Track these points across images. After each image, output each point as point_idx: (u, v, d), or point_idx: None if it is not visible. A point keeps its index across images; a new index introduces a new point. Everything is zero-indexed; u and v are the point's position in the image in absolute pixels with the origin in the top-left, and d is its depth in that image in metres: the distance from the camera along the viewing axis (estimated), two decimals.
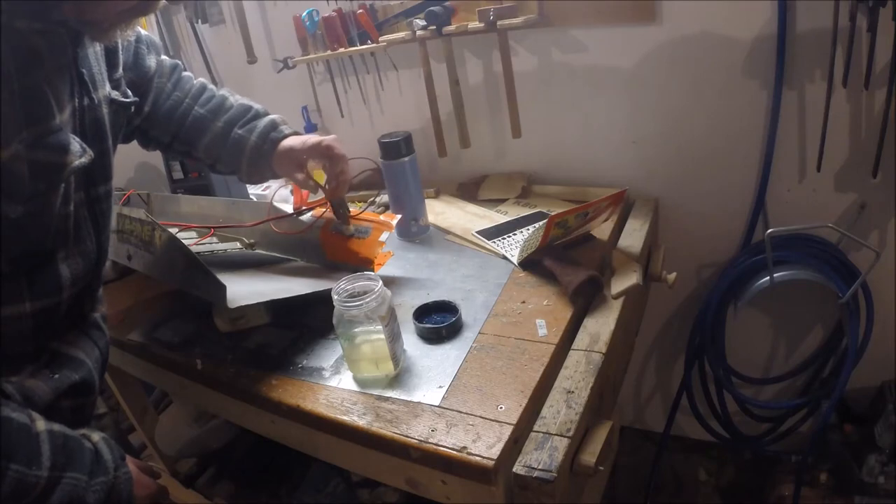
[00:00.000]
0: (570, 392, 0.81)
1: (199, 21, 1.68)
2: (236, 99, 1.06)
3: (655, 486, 1.55)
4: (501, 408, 0.78)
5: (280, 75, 1.58)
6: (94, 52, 0.75)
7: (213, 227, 1.24)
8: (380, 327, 0.81)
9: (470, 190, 1.49)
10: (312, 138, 1.02)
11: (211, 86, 1.08)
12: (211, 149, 1.03)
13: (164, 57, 1.04)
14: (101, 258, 0.80)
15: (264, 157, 1.02)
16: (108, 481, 0.68)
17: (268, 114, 1.06)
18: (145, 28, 1.71)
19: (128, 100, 0.83)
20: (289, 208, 1.19)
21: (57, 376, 0.73)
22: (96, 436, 0.72)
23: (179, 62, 1.07)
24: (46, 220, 0.66)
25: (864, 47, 1.02)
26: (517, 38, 1.30)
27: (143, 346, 1.09)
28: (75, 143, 0.65)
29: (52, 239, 0.68)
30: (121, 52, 0.85)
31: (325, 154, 1.01)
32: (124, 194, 1.37)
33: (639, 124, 1.30)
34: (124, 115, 0.84)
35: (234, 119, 1.03)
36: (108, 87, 0.78)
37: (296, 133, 1.05)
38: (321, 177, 1.63)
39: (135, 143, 1.11)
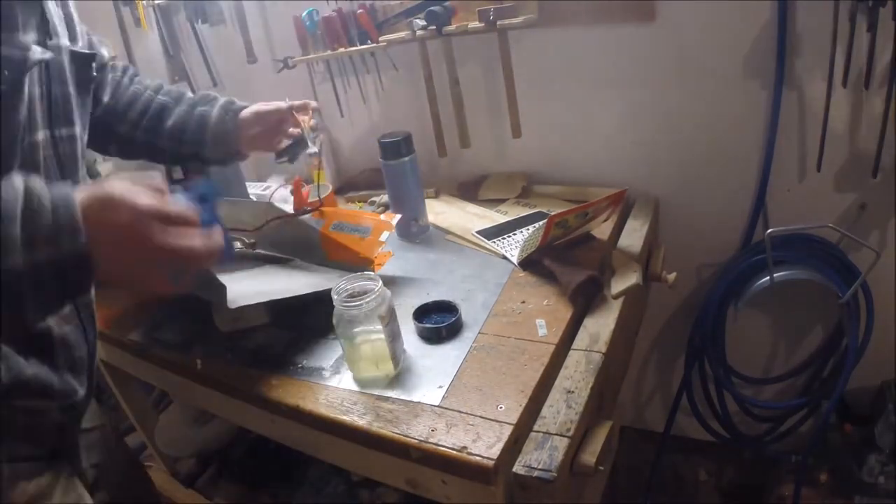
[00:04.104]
0: (570, 392, 0.81)
1: (199, 21, 1.68)
2: (195, 92, 1.12)
3: (655, 486, 1.55)
4: (501, 408, 0.78)
5: (280, 75, 1.58)
6: (58, 13, 0.79)
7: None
8: (380, 327, 0.81)
9: (470, 190, 1.48)
10: (273, 104, 1.08)
11: (168, 83, 1.13)
12: (174, 131, 1.05)
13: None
14: None
15: (229, 127, 1.06)
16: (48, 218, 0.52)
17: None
18: (145, 28, 1.71)
19: (88, 52, 0.85)
20: (289, 208, 1.20)
21: (24, 361, 0.73)
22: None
23: (130, 65, 1.12)
24: (14, 125, 0.67)
25: (864, 47, 1.02)
26: (517, 37, 1.30)
27: (143, 346, 1.09)
28: (36, 47, 0.69)
29: (21, 168, 0.69)
30: (77, 26, 0.87)
31: (299, 108, 1.09)
32: None
33: (639, 124, 1.30)
34: (89, 72, 0.86)
35: (195, 101, 1.08)
36: (66, 40, 0.80)
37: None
38: (322, 177, 1.63)
39: None
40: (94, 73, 0.87)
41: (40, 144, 0.73)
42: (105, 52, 1.01)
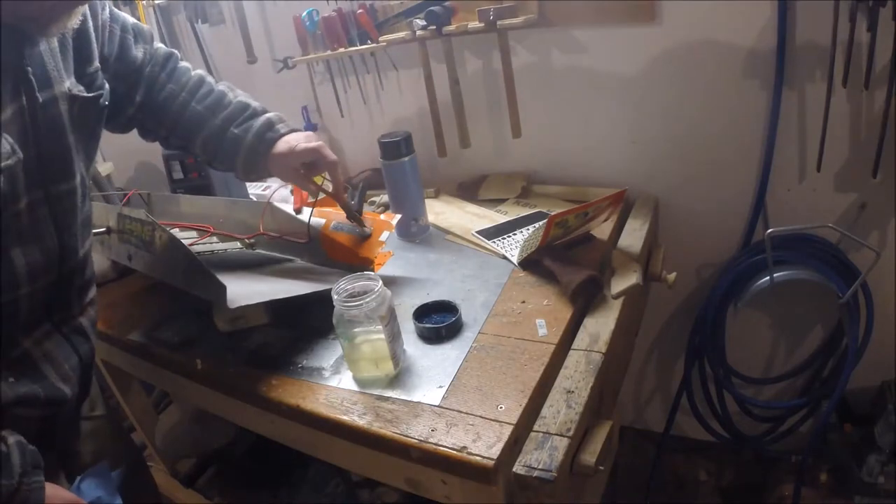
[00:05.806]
0: (570, 392, 0.81)
1: (199, 21, 1.68)
2: (235, 95, 1.05)
3: (655, 486, 1.55)
4: (501, 407, 0.78)
5: (280, 75, 1.58)
6: (51, 49, 0.73)
7: (213, 230, 1.24)
8: (380, 327, 0.81)
9: (470, 190, 1.48)
10: (302, 144, 1.01)
11: (209, 78, 1.07)
12: (207, 145, 1.03)
13: (158, 45, 1.03)
14: (68, 256, 0.78)
15: (260, 158, 1.02)
16: (10, 486, 0.64)
17: (266, 112, 1.05)
18: (145, 24, 1.71)
19: (91, 94, 0.80)
20: (289, 208, 1.19)
21: (11, 380, 0.73)
22: (11, 439, 0.68)
23: (176, 51, 1.06)
24: None
25: (864, 47, 1.02)
26: (517, 38, 1.30)
27: (143, 346, 1.09)
28: (6, 145, 0.65)
29: (3, 236, 0.68)
30: (95, 44, 0.83)
31: (315, 155, 1.01)
32: (125, 194, 1.37)
33: (639, 124, 1.30)
34: (96, 109, 0.82)
35: (231, 117, 1.02)
36: (66, 84, 0.75)
37: (293, 130, 1.04)
38: (321, 180, 1.62)
39: (134, 143, 1.11)
40: (104, 105, 0.83)
41: (24, 211, 0.70)
42: (139, 53, 0.97)
